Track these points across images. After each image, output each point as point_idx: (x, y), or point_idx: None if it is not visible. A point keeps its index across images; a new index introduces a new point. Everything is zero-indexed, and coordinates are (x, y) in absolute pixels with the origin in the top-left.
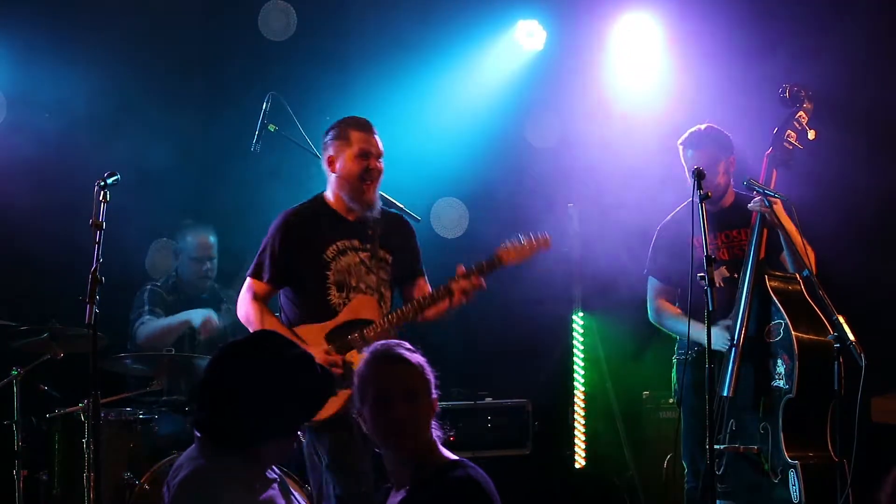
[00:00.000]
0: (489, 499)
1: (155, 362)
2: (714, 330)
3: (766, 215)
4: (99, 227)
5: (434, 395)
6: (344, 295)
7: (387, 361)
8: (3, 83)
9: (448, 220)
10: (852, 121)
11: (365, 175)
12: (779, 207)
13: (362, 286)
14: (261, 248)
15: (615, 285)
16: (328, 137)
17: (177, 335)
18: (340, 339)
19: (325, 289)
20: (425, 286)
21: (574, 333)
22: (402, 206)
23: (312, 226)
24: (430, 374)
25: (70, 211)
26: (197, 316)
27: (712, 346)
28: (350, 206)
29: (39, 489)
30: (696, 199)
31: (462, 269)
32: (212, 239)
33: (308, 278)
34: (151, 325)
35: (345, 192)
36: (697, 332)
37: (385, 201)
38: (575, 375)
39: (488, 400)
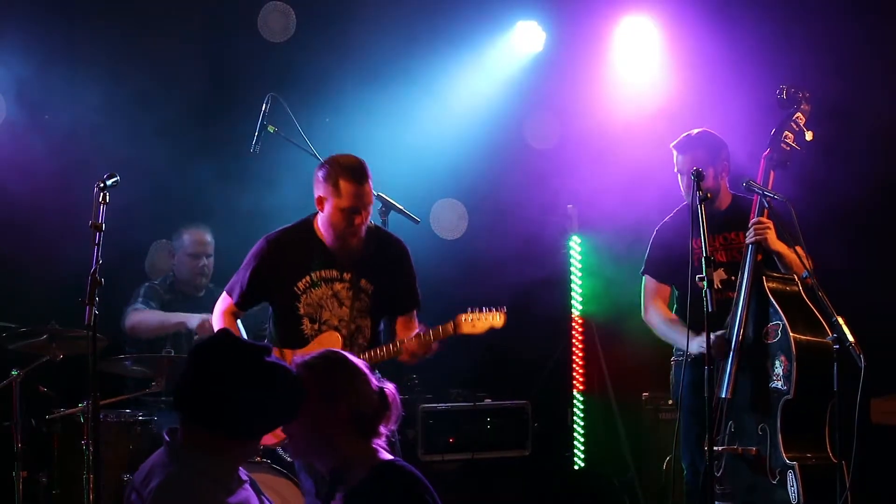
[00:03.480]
0: (422, 495)
1: (154, 363)
2: (699, 338)
3: (762, 244)
4: (98, 228)
5: (334, 406)
6: (316, 327)
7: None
8: (2, 84)
9: (447, 221)
10: (850, 122)
11: (350, 229)
12: (771, 234)
13: (333, 320)
14: (240, 268)
15: (614, 289)
16: (319, 175)
17: (165, 332)
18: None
19: (297, 319)
20: (409, 323)
21: (573, 334)
22: (401, 207)
23: (290, 254)
24: (323, 382)
25: (70, 212)
26: (194, 319)
27: (693, 351)
28: (334, 239)
29: (39, 491)
30: (696, 201)
31: (417, 330)
32: (208, 237)
33: (279, 308)
34: (143, 313)
35: (329, 234)
36: (691, 341)
37: (384, 202)
38: (574, 376)
39: (488, 401)
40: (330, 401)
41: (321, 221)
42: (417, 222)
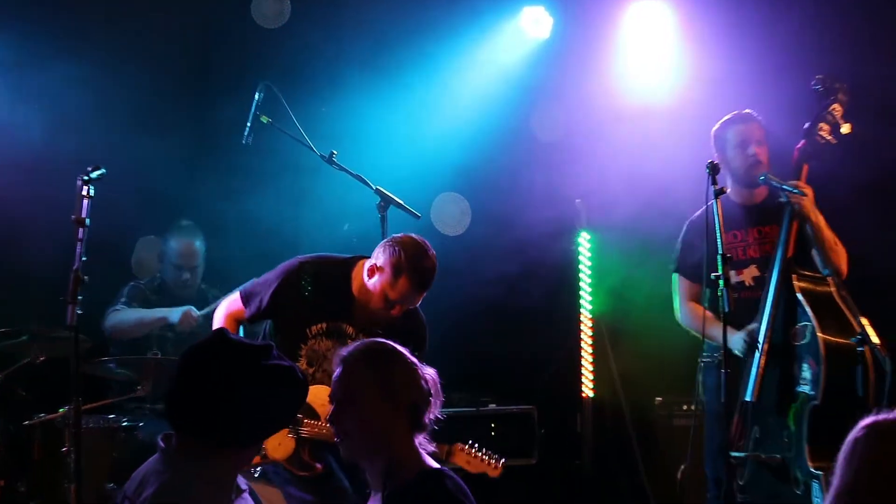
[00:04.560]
0: None
1: (140, 366)
2: (737, 334)
3: (796, 206)
4: (81, 223)
5: (394, 401)
6: (312, 371)
7: (339, 363)
8: None
9: (450, 216)
10: (889, 113)
11: (384, 312)
12: (809, 200)
13: (327, 370)
14: (263, 278)
15: (625, 287)
16: (388, 252)
17: (148, 330)
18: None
19: (297, 356)
20: None
21: (581, 335)
22: (400, 201)
23: (317, 291)
24: (383, 377)
25: (53, 206)
26: (175, 313)
27: (732, 350)
28: (362, 304)
29: (17, 500)
30: (711, 195)
31: None
32: (197, 244)
33: (282, 336)
34: (124, 313)
35: (362, 296)
36: (730, 337)
37: (382, 197)
38: (582, 380)
39: (492, 406)
40: (391, 398)
41: (362, 277)
42: (418, 217)
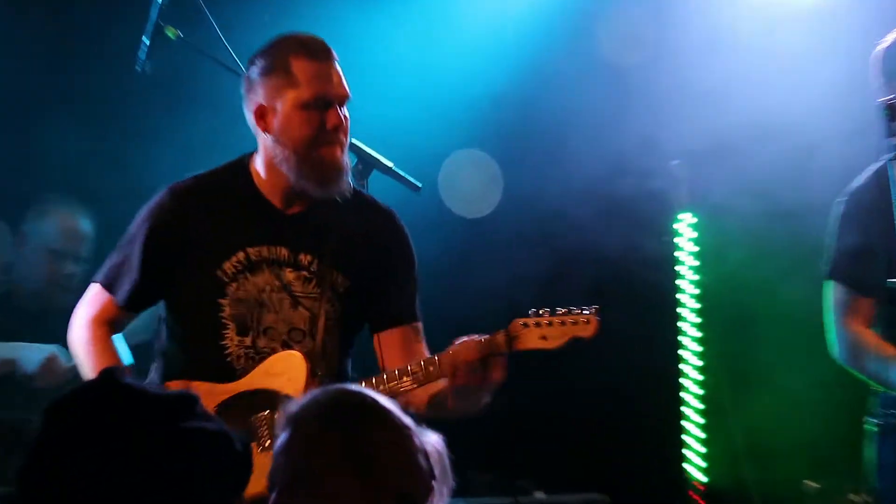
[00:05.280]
0: None
1: None
2: None
3: None
4: None
5: (375, 490)
6: (248, 341)
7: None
8: None
9: (468, 188)
10: None
11: (323, 137)
12: None
13: (279, 328)
14: (121, 243)
15: (751, 300)
16: (255, 70)
17: None
18: (237, 419)
19: (217, 327)
20: (409, 345)
21: (683, 380)
22: (388, 163)
23: (209, 217)
24: (357, 450)
25: None
26: (33, 354)
27: None
28: (293, 190)
29: None
30: (889, 151)
31: (469, 342)
32: (84, 225)
33: (186, 307)
34: None
35: (288, 166)
36: None
37: (361, 156)
38: (687, 456)
39: (538, 497)
40: (371, 486)
41: (269, 154)
42: (417, 189)
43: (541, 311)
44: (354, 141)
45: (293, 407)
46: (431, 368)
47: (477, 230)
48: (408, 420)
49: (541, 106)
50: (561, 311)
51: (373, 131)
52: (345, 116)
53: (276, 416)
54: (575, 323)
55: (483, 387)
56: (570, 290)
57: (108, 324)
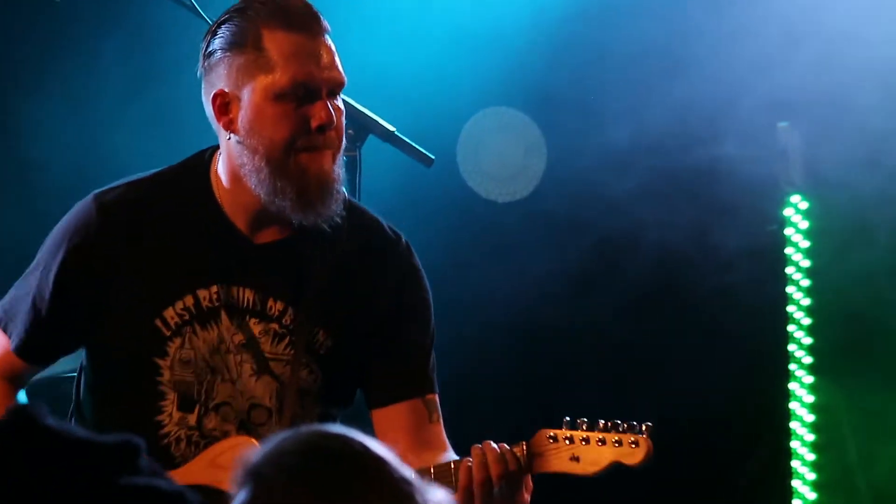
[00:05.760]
0: None
1: None
2: None
3: None
4: None
5: None
6: (192, 420)
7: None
8: None
9: (499, 159)
10: None
11: (305, 140)
12: None
13: (238, 406)
14: (28, 270)
15: (875, 317)
16: (216, 43)
17: None
18: None
19: (152, 396)
20: (425, 428)
21: (792, 406)
22: (390, 128)
23: (149, 243)
24: None
25: None
26: None
27: None
28: (264, 210)
29: None
30: None
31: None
32: None
33: (116, 364)
34: None
35: (258, 179)
36: None
37: (355, 118)
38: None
39: None
40: None
41: (225, 168)
42: (429, 164)
43: (577, 421)
44: (345, 98)
45: (252, 458)
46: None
47: (505, 215)
48: (408, 473)
49: (588, 44)
50: (602, 424)
51: (370, 85)
52: (337, 110)
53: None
54: (619, 444)
55: None
56: (622, 303)
57: (6, 378)
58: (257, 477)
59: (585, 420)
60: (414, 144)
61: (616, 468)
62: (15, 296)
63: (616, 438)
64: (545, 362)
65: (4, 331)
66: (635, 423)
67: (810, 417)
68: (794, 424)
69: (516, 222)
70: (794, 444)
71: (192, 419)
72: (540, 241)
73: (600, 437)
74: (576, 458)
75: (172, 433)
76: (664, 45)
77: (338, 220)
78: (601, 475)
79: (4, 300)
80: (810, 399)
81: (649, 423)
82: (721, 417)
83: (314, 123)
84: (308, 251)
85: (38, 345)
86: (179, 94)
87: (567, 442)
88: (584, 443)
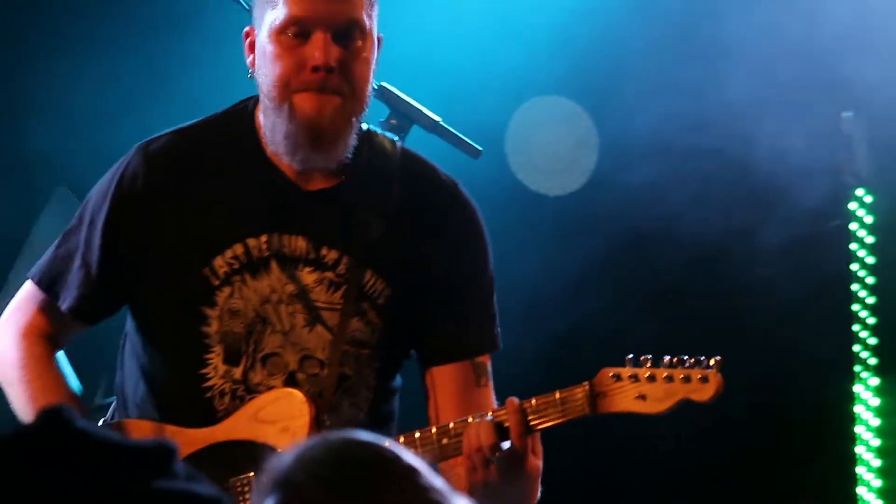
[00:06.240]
0: None
1: None
2: None
3: None
4: None
5: None
6: (238, 373)
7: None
8: None
9: (550, 151)
10: None
11: (298, 79)
12: None
13: (287, 357)
14: (67, 228)
15: None
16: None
17: None
18: (214, 475)
19: (197, 348)
20: (472, 388)
21: (857, 415)
22: (437, 118)
23: (197, 192)
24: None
25: None
26: None
27: None
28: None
29: None
30: None
31: (513, 402)
32: None
33: (162, 316)
34: None
35: (263, 118)
36: None
37: (396, 106)
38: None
39: None
40: None
41: (262, 112)
42: (477, 155)
43: (641, 359)
44: (386, 85)
45: (281, 464)
46: (446, 441)
47: (563, 208)
48: (438, 482)
49: (637, 31)
50: (668, 360)
51: (414, 73)
52: (344, 51)
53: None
54: (687, 380)
55: (527, 468)
56: (680, 303)
57: (49, 338)
58: (286, 485)
59: (650, 357)
60: (460, 135)
61: (685, 405)
62: (57, 255)
63: (684, 374)
64: (593, 361)
65: (48, 292)
66: (702, 357)
67: (876, 421)
68: (858, 428)
69: (565, 216)
70: (858, 448)
71: (237, 372)
72: (592, 236)
73: (667, 373)
74: (642, 397)
75: (217, 386)
76: (719, 30)
77: (374, 162)
78: (668, 413)
79: (43, 263)
80: (876, 402)
81: (718, 357)
82: (782, 421)
83: (309, 62)
84: (361, 199)
85: (91, 301)
86: (192, 83)
87: (632, 380)
88: (650, 380)
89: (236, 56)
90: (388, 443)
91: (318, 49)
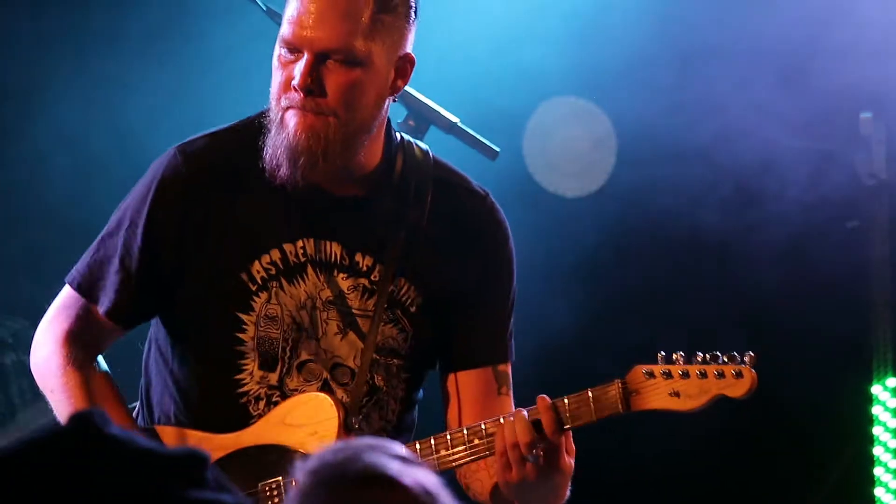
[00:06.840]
0: None
1: None
2: None
3: None
4: None
5: None
6: (274, 379)
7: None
8: None
9: (569, 151)
10: None
11: (285, 98)
12: None
13: (322, 364)
14: (104, 232)
15: None
16: None
17: None
18: (243, 480)
19: (233, 354)
20: (493, 399)
21: (876, 443)
22: (455, 119)
23: (235, 196)
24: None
25: None
26: None
27: None
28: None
29: None
30: None
31: (545, 401)
32: None
33: (197, 322)
34: None
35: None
36: None
37: (413, 107)
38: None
39: None
40: None
41: None
42: (494, 156)
43: (674, 356)
44: (417, 94)
45: (307, 461)
46: (477, 441)
47: (582, 211)
48: (424, 479)
49: (658, 33)
50: (701, 356)
51: (431, 73)
52: (322, 73)
53: (290, 484)
54: (721, 375)
55: (559, 471)
56: (697, 304)
57: (89, 343)
58: (297, 481)
59: (682, 354)
60: (478, 136)
61: (720, 401)
62: (94, 259)
63: (717, 370)
64: (616, 363)
65: (86, 296)
66: (736, 353)
67: (894, 422)
68: (876, 430)
69: (585, 221)
70: (876, 450)
71: (273, 378)
72: (613, 240)
73: (700, 369)
74: (676, 394)
75: (252, 392)
76: (739, 35)
77: (424, 175)
78: (703, 410)
79: (81, 266)
80: (894, 403)
81: (752, 353)
82: (800, 422)
83: (292, 82)
84: (394, 207)
85: (130, 305)
86: (200, 82)
87: (665, 377)
88: (683, 377)
89: (255, 58)
90: (384, 455)
91: (299, 70)
